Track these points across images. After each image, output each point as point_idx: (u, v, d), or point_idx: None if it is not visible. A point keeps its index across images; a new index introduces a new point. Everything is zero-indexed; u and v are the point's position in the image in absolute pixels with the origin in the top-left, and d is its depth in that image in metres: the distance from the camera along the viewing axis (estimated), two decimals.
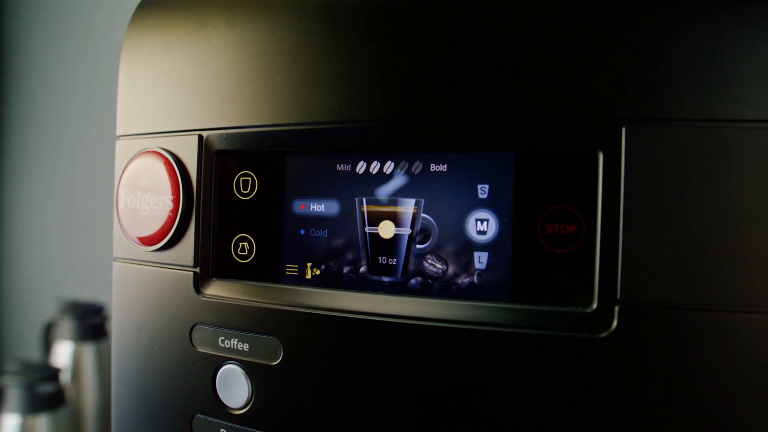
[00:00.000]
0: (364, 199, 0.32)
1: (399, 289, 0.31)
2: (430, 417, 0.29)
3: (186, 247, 0.35)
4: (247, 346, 0.33)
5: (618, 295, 0.26)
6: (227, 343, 0.34)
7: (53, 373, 0.77)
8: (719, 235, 0.25)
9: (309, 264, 0.33)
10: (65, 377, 0.85)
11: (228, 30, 0.34)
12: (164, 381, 0.36)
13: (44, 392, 0.75)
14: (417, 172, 0.31)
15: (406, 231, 0.31)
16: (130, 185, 0.36)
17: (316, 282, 0.33)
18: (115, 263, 0.38)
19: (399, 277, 0.31)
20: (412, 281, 0.31)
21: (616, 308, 0.26)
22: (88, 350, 0.88)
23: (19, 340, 1.18)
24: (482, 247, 0.30)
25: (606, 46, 0.27)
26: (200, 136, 0.35)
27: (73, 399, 0.85)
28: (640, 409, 0.26)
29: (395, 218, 0.32)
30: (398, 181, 0.32)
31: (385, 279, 0.32)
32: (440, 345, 0.29)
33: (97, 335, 0.89)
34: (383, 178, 0.32)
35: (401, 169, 0.31)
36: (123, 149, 0.38)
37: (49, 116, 1.13)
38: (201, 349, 0.34)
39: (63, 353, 0.87)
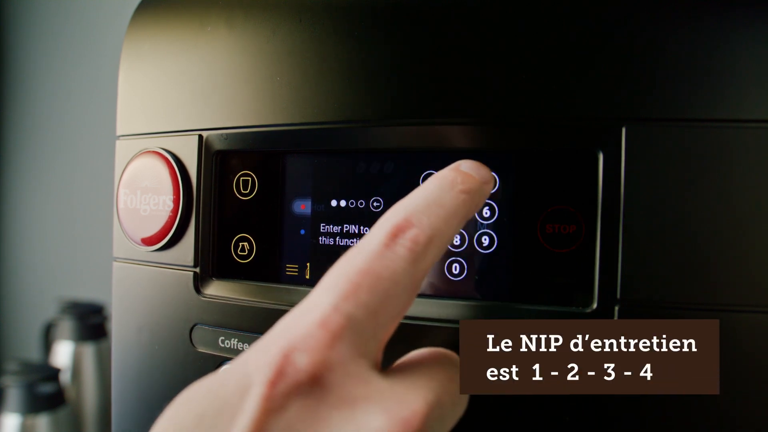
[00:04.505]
0: (362, 200, 0.32)
1: None
2: None
3: (186, 247, 0.35)
4: (247, 346, 0.33)
5: (618, 295, 0.26)
6: (227, 343, 0.34)
7: (53, 373, 0.77)
8: (719, 235, 0.25)
9: (309, 264, 0.34)
10: (65, 377, 0.85)
11: (228, 30, 0.34)
12: (164, 381, 0.36)
13: (44, 392, 0.75)
14: (416, 172, 0.31)
15: None
16: (131, 185, 0.36)
17: (316, 282, 0.33)
18: (115, 263, 0.38)
19: None
20: None
21: (616, 308, 0.27)
22: (88, 350, 0.88)
23: (19, 340, 1.18)
24: (482, 246, 0.30)
25: (606, 45, 0.27)
26: (200, 136, 0.35)
27: (73, 399, 0.85)
28: (639, 409, 0.26)
29: None
30: (398, 181, 0.32)
31: None
32: (440, 345, 0.29)
33: (97, 335, 0.89)
34: (383, 178, 0.32)
35: (401, 170, 0.31)
36: (123, 149, 0.38)
37: (49, 116, 1.13)
38: (201, 349, 0.34)
39: (63, 353, 0.87)
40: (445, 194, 0.24)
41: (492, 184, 0.27)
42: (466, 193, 0.24)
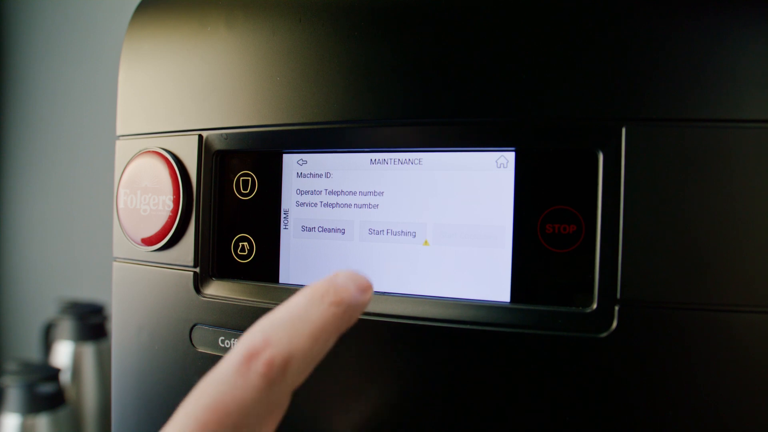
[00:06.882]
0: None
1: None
2: (430, 416, 0.29)
3: (186, 247, 0.35)
4: None
5: (618, 295, 0.26)
6: (227, 343, 0.34)
7: (53, 373, 0.77)
8: (719, 234, 0.25)
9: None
10: (65, 377, 0.85)
11: (228, 30, 0.34)
12: (164, 381, 0.36)
13: (44, 392, 0.75)
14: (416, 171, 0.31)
15: None
16: (130, 185, 0.36)
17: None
18: (115, 263, 0.38)
19: None
20: None
21: (616, 308, 0.26)
22: (88, 350, 0.88)
23: (19, 340, 1.18)
24: (483, 247, 0.30)
25: (606, 45, 0.27)
26: (200, 136, 0.35)
27: (73, 399, 0.85)
28: (640, 409, 0.26)
29: None
30: (398, 180, 0.31)
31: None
32: (440, 345, 0.29)
33: (97, 335, 0.89)
34: (383, 177, 0.32)
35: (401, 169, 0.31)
36: (123, 149, 0.38)
37: (49, 116, 1.13)
38: (201, 349, 0.34)
39: (63, 353, 0.87)
40: (313, 308, 0.22)
41: (371, 293, 0.25)
42: (337, 306, 0.23)
